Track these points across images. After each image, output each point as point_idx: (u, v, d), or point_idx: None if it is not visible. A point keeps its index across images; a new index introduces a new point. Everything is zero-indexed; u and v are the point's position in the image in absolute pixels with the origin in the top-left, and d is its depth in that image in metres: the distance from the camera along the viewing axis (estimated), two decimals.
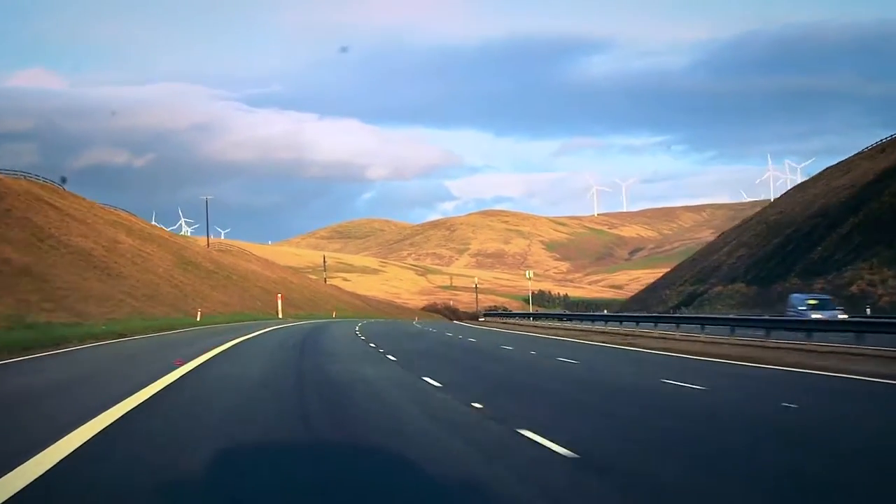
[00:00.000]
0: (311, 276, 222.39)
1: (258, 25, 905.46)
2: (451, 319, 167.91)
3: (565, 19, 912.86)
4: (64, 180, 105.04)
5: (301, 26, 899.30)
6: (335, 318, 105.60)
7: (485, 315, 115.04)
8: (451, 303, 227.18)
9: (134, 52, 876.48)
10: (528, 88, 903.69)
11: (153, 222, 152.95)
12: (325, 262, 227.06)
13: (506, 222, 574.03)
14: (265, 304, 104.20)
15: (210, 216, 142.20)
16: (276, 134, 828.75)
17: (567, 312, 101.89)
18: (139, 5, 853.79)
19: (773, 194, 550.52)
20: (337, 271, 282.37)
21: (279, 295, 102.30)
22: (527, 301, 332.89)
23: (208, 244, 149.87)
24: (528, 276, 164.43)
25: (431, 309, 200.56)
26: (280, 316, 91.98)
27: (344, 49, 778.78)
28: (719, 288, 78.41)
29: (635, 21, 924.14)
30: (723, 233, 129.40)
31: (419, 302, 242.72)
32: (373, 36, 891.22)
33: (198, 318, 65.53)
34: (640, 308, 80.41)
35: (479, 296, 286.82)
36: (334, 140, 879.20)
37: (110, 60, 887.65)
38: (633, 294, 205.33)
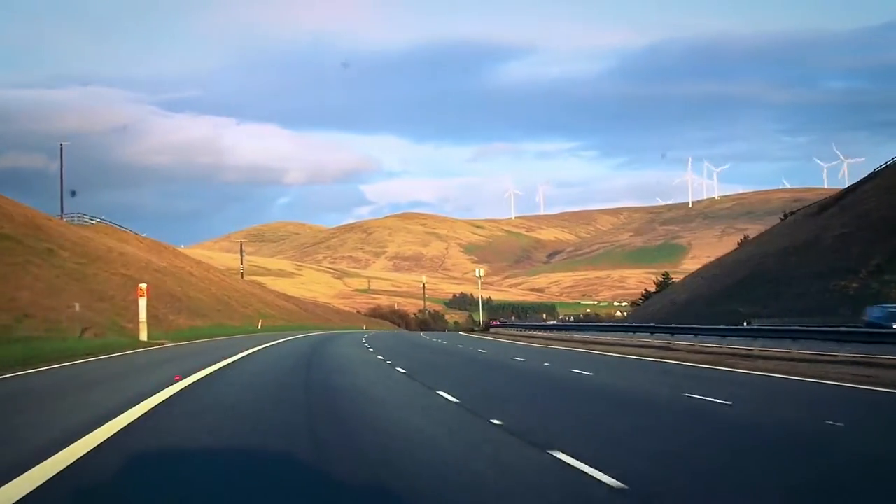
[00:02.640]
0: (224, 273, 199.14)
1: (175, 29, 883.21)
2: (400, 326, 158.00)
3: (483, 26, 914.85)
4: (73, 194, 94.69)
5: (219, 30, 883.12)
6: (260, 329, 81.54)
7: (490, 326, 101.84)
8: (397, 306, 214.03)
9: (47, 54, 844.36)
10: (445, 94, 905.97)
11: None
12: (241, 250, 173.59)
13: (423, 225, 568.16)
14: (92, 309, 51.95)
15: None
16: (194, 138, 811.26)
17: (596, 322, 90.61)
18: (53, 6, 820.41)
19: (690, 198, 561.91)
20: (251, 274, 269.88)
21: (141, 289, 50.93)
22: (447, 304, 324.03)
23: (62, 211, 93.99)
24: (477, 273, 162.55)
25: (377, 314, 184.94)
26: (143, 336, 47.77)
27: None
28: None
29: (551, 28, 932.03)
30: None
31: (340, 304, 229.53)
32: (292, 40, 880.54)
33: None
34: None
35: (398, 299, 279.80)
36: (252, 145, 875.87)
37: (21, 62, 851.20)
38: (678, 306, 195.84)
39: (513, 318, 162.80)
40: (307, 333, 74.02)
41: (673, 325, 44.76)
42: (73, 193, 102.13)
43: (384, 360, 29.21)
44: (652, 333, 45.08)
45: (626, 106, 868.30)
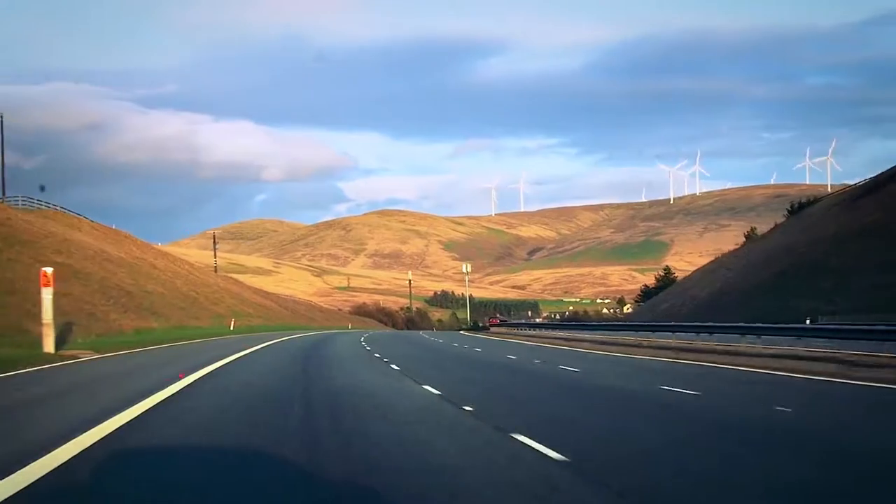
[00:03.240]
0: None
1: (151, 25, 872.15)
2: (387, 324, 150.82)
3: (462, 22, 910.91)
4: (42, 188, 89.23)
5: (196, 26, 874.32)
6: (233, 330, 70.16)
7: (490, 325, 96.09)
8: (381, 303, 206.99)
9: (22, 49, 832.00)
10: (424, 91, 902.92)
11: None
12: (214, 242, 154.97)
13: (403, 222, 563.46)
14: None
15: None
16: (171, 135, 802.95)
17: (612, 321, 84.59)
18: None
19: (672, 194, 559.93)
20: (228, 272, 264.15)
21: (46, 275, 32.92)
22: (429, 301, 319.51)
23: (3, 194, 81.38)
24: (465, 269, 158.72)
25: (362, 312, 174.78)
26: (48, 346, 31.84)
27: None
28: None
29: (531, 24, 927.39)
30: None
31: (322, 302, 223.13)
32: (269, 37, 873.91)
33: None
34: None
35: (377, 297, 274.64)
36: (229, 141, 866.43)
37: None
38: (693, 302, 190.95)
39: (499, 315, 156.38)
40: (290, 335, 64.06)
41: (711, 324, 39.12)
42: (42, 188, 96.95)
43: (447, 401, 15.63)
44: (674, 332, 40.41)
45: (606, 102, 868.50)
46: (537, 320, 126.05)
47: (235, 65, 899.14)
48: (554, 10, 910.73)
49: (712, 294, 60.63)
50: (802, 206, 79.45)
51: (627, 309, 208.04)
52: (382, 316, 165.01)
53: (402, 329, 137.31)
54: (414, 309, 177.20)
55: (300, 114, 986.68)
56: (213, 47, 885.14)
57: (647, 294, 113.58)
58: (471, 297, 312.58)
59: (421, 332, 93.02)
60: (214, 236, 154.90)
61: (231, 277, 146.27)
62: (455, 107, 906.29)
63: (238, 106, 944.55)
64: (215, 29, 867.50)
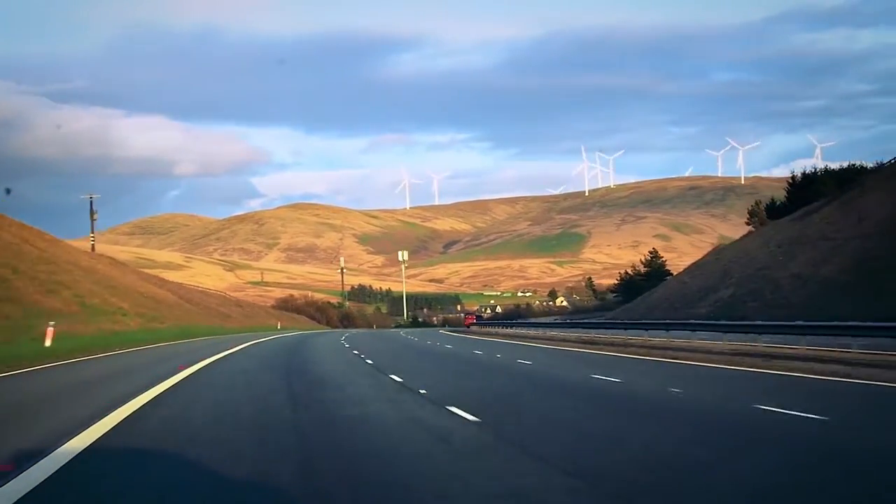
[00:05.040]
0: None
1: (62, 18, 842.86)
2: (319, 321, 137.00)
3: (375, 18, 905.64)
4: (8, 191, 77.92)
5: (108, 21, 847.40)
6: (50, 345, 35.79)
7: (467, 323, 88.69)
8: (310, 294, 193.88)
9: None
10: (337, 86, 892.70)
11: None
12: (91, 208, 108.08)
13: (317, 216, 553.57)
14: None
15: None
16: (81, 130, 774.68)
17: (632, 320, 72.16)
18: None
19: (587, 186, 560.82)
20: (137, 268, 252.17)
21: None
22: (343, 296, 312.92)
23: None
24: (401, 257, 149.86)
25: (290, 307, 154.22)
26: None
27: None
28: None
29: (443, 21, 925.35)
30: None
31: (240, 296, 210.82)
32: (183, 31, 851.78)
33: None
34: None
35: (291, 292, 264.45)
36: (141, 136, 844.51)
37: None
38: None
39: (475, 313, 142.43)
40: (186, 343, 49.56)
41: (778, 322, 32.35)
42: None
43: None
44: (694, 331, 34.27)
45: (518, 97, 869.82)
46: (549, 319, 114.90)
47: (148, 59, 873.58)
48: (466, 7, 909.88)
49: (753, 290, 51.45)
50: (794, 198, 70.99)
51: (560, 302, 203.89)
52: (314, 311, 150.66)
53: (335, 326, 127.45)
54: (348, 303, 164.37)
55: (214, 109, 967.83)
56: (125, 42, 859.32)
57: (629, 286, 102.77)
58: (388, 290, 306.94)
59: (401, 332, 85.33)
60: (91, 202, 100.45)
61: (113, 259, 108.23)
62: (368, 102, 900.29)
63: (151, 101, 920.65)
64: (128, 23, 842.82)
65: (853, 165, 68.94)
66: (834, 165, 74.96)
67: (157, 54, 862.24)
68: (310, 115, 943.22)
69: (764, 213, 76.85)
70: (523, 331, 61.59)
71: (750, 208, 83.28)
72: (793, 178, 75.75)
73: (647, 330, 40.03)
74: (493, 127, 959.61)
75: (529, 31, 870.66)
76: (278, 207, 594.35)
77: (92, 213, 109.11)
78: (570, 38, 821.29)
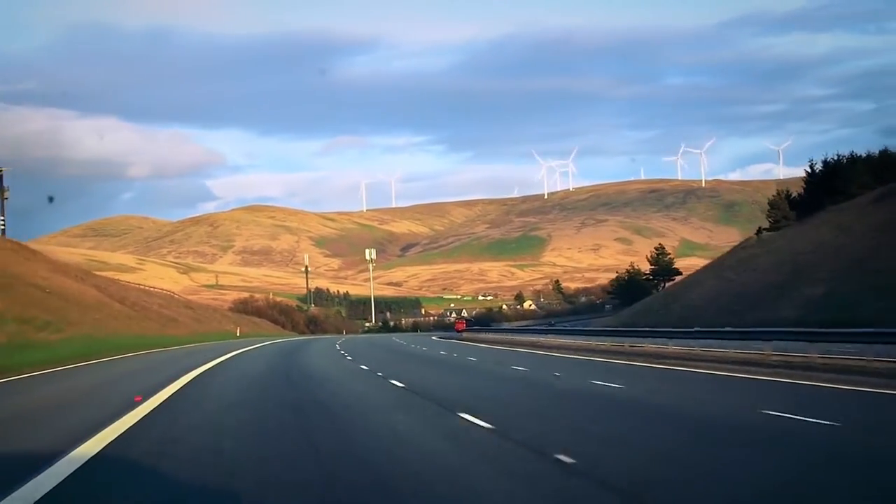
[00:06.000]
0: None
1: (11, 18, 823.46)
2: (284, 326, 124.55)
3: (329, 19, 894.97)
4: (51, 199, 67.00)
5: (59, 20, 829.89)
6: None
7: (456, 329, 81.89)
8: (271, 296, 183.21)
9: None
10: (293, 88, 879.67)
11: None
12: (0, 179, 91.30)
13: (272, 218, 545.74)
14: None
15: None
16: (32, 132, 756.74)
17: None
18: None
19: (546, 189, 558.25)
20: (90, 270, 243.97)
21: None
22: (301, 299, 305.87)
23: None
24: (368, 256, 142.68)
25: (250, 310, 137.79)
26: None
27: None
28: None
29: (398, 23, 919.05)
30: None
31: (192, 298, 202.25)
32: (135, 31, 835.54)
33: None
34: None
35: (247, 295, 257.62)
36: (94, 138, 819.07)
37: None
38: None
39: (465, 317, 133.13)
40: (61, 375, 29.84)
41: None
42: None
43: None
44: (812, 342, 27.94)
45: (474, 101, 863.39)
46: (551, 324, 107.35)
47: (100, 60, 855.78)
48: (421, 10, 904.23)
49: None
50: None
51: (528, 305, 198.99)
52: (277, 314, 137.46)
53: (303, 332, 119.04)
54: (313, 305, 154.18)
55: (168, 111, 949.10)
56: (77, 42, 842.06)
57: (630, 287, 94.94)
58: (346, 294, 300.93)
59: (393, 338, 78.68)
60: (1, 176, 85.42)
61: (15, 242, 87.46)
62: (323, 104, 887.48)
63: (104, 102, 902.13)
64: (80, 24, 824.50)
65: (887, 150, 64.05)
66: (863, 153, 67.87)
67: (109, 55, 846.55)
68: (264, 118, 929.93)
69: (787, 205, 71.69)
70: (529, 337, 55.50)
71: (770, 199, 77.89)
72: (811, 168, 70.82)
73: (705, 339, 33.63)
74: (450, 130, 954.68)
75: (486, 33, 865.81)
76: (233, 209, 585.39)
77: (2, 190, 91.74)
78: (527, 41, 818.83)
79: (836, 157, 68.82)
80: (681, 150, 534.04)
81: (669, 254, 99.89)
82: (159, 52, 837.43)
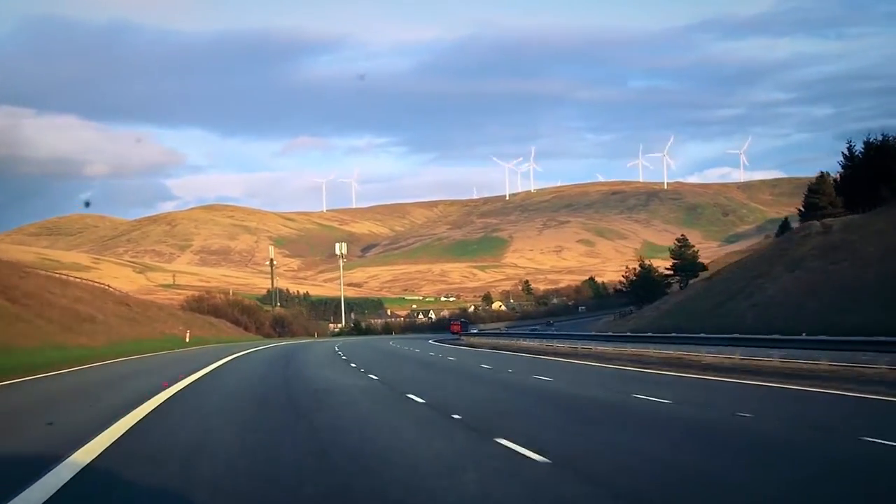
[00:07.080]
0: None
1: None
2: (248, 329, 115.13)
3: (292, 19, 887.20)
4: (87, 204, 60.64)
5: (15, 16, 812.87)
6: None
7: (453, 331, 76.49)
8: (231, 293, 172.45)
9: None
10: (252, 88, 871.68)
11: None
12: None
13: (231, 217, 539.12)
14: None
15: None
16: None
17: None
18: None
19: (507, 190, 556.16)
20: (43, 269, 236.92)
21: None
22: (261, 300, 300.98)
23: None
24: (339, 251, 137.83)
25: (206, 309, 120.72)
26: None
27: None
28: None
29: (360, 23, 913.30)
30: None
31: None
32: (95, 29, 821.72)
33: None
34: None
35: (199, 294, 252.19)
36: (52, 137, 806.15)
37: None
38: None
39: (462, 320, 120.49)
40: None
41: None
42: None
43: None
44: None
45: (435, 102, 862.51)
46: (554, 326, 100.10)
47: (58, 56, 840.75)
48: (383, 11, 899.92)
49: None
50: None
51: (498, 306, 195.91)
52: (238, 314, 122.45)
53: (268, 334, 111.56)
54: (277, 306, 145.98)
55: (127, 110, 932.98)
56: (34, 38, 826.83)
57: (645, 285, 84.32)
58: (306, 294, 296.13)
59: (390, 342, 72.75)
60: None
61: None
62: (284, 104, 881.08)
63: (62, 100, 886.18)
64: (36, 18, 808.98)
65: None
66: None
67: (67, 51, 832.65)
68: (225, 118, 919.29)
69: (832, 189, 67.65)
70: (539, 343, 50.41)
71: (812, 185, 72.52)
72: (850, 151, 65.64)
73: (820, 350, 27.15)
74: (411, 131, 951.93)
75: (448, 35, 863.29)
76: (192, 209, 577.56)
77: None
78: (489, 42, 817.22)
79: (880, 139, 63.10)
80: (640, 151, 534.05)
81: (693, 245, 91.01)
82: (119, 50, 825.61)
